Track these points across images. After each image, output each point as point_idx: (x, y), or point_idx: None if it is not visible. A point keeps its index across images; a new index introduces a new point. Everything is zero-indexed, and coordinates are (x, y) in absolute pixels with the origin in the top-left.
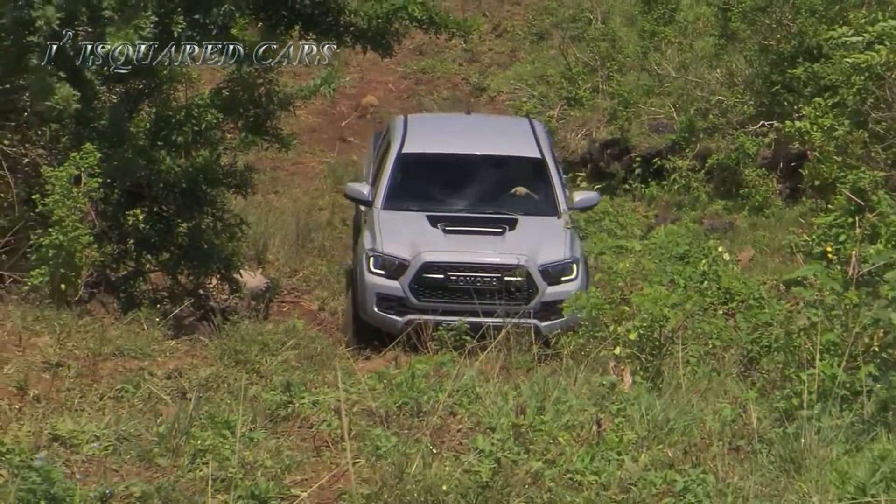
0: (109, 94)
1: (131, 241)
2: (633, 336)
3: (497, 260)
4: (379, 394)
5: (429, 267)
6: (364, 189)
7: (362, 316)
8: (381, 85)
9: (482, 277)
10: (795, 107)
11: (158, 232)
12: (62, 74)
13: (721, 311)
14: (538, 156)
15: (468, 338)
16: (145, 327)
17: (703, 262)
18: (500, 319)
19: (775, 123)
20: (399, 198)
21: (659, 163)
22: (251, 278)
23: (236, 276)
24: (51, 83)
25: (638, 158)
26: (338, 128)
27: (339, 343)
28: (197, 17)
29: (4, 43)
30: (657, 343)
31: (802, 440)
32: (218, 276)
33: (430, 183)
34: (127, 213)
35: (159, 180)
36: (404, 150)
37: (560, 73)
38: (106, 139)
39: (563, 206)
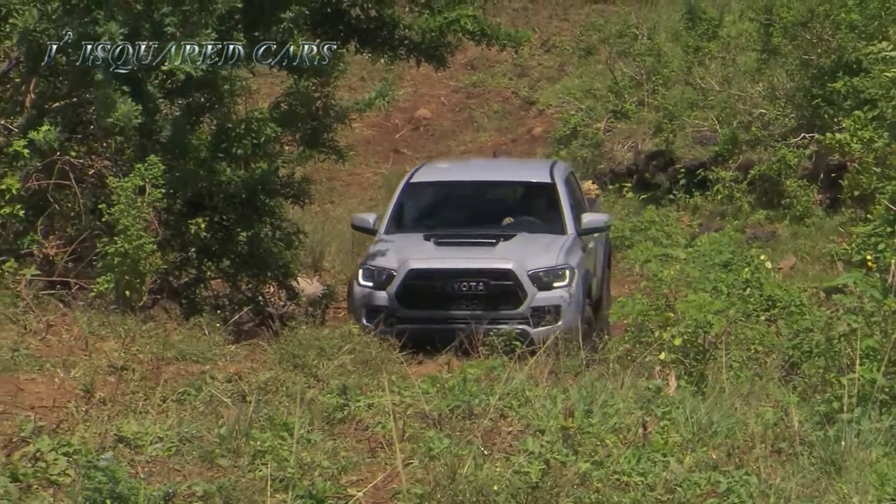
0: (172, 107)
1: (193, 249)
2: (677, 342)
3: (482, 265)
4: (432, 397)
5: (415, 274)
6: (370, 218)
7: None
8: (434, 98)
9: (468, 283)
10: (835, 119)
11: (219, 241)
12: (125, 89)
13: (763, 318)
14: (547, 181)
15: (518, 343)
16: (206, 332)
17: (746, 269)
18: (487, 326)
19: (816, 135)
20: (402, 224)
21: (703, 174)
22: (308, 285)
23: (293, 283)
24: (114, 99)
25: (682, 169)
26: (392, 140)
27: (393, 347)
28: (256, 33)
29: (71, 58)
30: (701, 348)
31: (843, 443)
32: (276, 283)
33: (435, 209)
34: (189, 222)
35: (220, 191)
36: (412, 181)
37: (607, 86)
38: (169, 151)
39: (570, 228)
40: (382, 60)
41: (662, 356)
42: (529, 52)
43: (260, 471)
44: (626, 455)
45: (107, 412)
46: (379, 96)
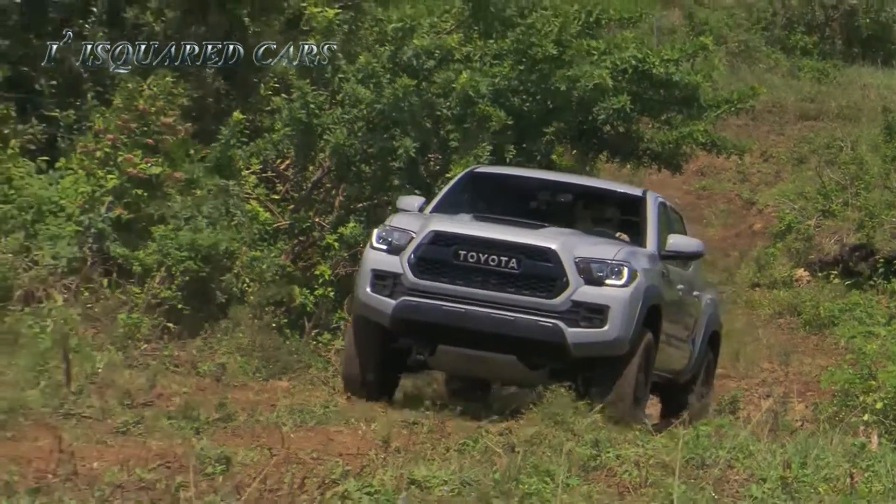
0: None
1: None
2: (879, 405)
3: (519, 239)
4: (670, 449)
5: (436, 237)
6: (415, 202)
7: (356, 309)
8: (669, 199)
9: (499, 257)
10: None
11: None
12: (417, 192)
13: None
14: (637, 194)
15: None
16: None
17: None
18: (510, 315)
19: None
20: (450, 208)
21: None
22: None
23: None
24: None
25: (882, 260)
26: None
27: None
28: (524, 145)
29: (373, 167)
30: None
31: None
32: None
33: (495, 201)
34: None
35: None
36: (475, 171)
37: (816, 189)
38: None
39: (652, 246)
40: (628, 167)
41: (866, 417)
42: (751, 161)
43: None
44: (836, 501)
45: (401, 459)
46: None
